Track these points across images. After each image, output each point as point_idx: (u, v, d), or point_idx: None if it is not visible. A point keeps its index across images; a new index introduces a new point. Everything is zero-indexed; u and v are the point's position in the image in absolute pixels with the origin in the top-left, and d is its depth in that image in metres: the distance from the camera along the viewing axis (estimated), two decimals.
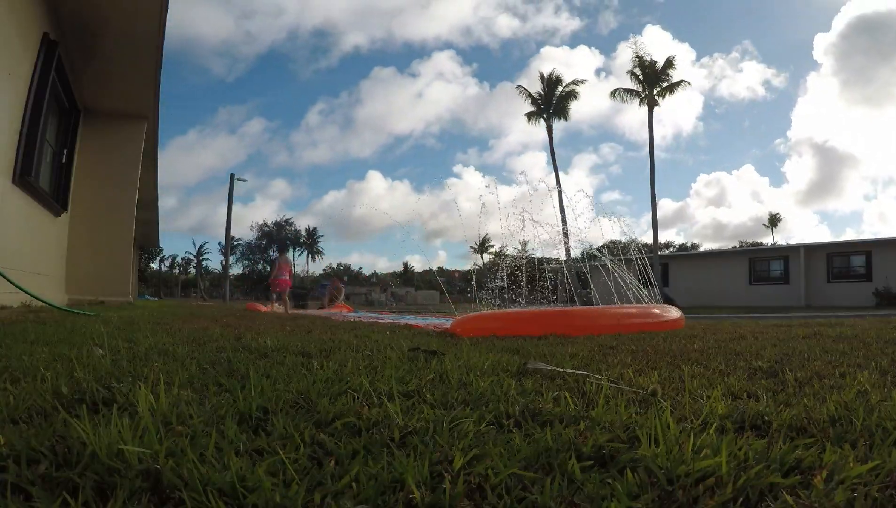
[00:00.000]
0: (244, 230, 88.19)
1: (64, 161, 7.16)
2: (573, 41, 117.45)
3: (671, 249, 62.99)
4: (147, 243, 24.88)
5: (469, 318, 3.79)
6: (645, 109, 27.77)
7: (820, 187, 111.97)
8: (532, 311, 4.37)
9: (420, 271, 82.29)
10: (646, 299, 5.34)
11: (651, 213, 26.71)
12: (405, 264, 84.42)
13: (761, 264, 23.52)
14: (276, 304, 11.14)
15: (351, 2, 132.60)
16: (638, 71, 27.37)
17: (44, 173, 6.19)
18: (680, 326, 4.04)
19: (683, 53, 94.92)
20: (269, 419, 1.02)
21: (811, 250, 21.82)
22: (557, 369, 1.66)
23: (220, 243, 60.24)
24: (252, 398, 1.14)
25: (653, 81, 27.20)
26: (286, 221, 68.79)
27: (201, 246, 76.54)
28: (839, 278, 21.05)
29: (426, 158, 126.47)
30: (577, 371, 1.61)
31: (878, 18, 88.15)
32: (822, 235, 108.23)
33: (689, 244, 71.71)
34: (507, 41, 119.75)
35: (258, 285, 52.20)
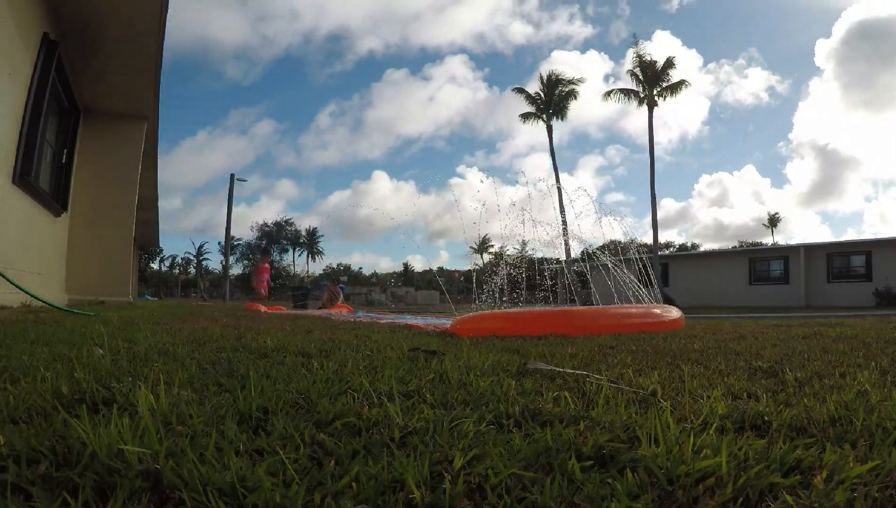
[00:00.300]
0: (246, 231, 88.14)
1: (64, 161, 7.17)
2: (584, 47, 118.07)
3: (671, 249, 63.02)
4: (147, 243, 24.90)
5: (469, 318, 3.79)
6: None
7: (821, 189, 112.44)
8: (532, 311, 4.36)
9: (420, 270, 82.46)
10: (646, 299, 5.33)
11: (651, 213, 26.77)
12: (405, 265, 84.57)
13: (761, 264, 23.52)
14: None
15: (368, 7, 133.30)
16: (638, 71, 27.38)
17: (44, 173, 6.20)
18: (680, 326, 4.03)
19: (691, 60, 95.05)
20: (269, 420, 1.02)
21: (811, 250, 21.83)
22: (557, 369, 1.66)
23: (219, 243, 60.29)
24: (252, 398, 1.14)
25: (653, 81, 27.19)
26: (286, 221, 68.94)
27: (201, 246, 76.66)
28: (839, 278, 21.06)
29: (434, 161, 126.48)
30: (577, 371, 1.60)
31: (878, 24, 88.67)
32: (823, 235, 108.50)
33: (689, 244, 71.82)
34: (521, 47, 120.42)
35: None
